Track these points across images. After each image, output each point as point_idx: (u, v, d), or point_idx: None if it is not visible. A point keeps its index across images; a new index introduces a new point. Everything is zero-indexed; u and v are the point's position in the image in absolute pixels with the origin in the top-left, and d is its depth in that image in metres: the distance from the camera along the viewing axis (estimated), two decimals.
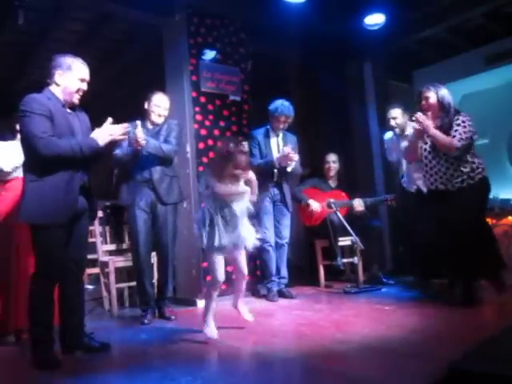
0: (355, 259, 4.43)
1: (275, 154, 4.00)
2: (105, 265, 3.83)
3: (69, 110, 2.55)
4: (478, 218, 3.29)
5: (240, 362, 2.32)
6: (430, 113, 3.28)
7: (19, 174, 2.94)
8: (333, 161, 4.73)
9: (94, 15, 5.02)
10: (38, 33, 5.19)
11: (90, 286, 4.95)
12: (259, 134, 4.11)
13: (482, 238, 3.24)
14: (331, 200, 4.42)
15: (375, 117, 5.46)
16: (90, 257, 3.90)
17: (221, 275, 2.73)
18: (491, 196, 5.33)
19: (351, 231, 4.11)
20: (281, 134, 4.11)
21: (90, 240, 4.14)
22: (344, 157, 4.96)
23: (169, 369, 2.26)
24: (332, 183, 4.78)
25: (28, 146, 2.40)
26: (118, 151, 3.37)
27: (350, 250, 4.67)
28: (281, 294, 3.98)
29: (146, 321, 3.30)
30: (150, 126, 3.48)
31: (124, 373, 2.29)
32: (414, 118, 3.30)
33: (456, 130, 3.18)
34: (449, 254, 3.28)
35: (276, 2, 4.32)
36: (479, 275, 3.29)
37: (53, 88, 2.51)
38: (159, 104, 3.46)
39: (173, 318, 3.41)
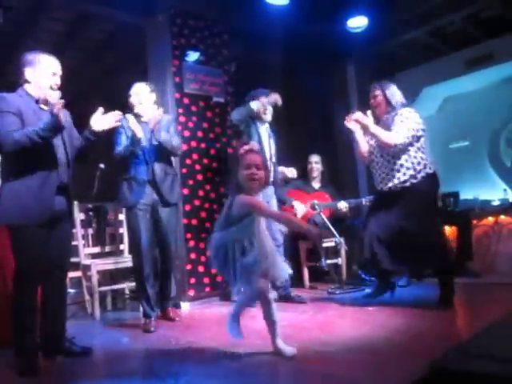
0: (339, 260, 4.46)
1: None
2: (87, 268, 3.77)
3: (44, 107, 2.47)
4: (426, 218, 3.18)
5: (223, 364, 2.31)
6: (369, 112, 3.36)
7: None
8: (315, 161, 4.75)
9: (75, 15, 4.96)
10: (17, 33, 5.11)
11: (71, 290, 4.88)
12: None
13: (429, 239, 3.15)
14: (315, 201, 4.43)
15: None
16: (71, 260, 3.84)
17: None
18: (471, 197, 5.45)
19: (335, 232, 4.12)
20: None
21: (72, 243, 4.08)
22: (327, 158, 4.98)
23: (151, 372, 2.24)
24: (315, 184, 4.80)
25: None
26: (119, 148, 3.25)
27: (334, 251, 4.69)
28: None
29: (152, 328, 3.07)
30: (144, 120, 3.29)
31: (106, 377, 2.27)
32: (349, 117, 3.36)
33: (400, 126, 3.20)
34: (393, 255, 3.20)
35: (259, 3, 4.32)
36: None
37: (26, 86, 2.45)
38: (138, 92, 3.33)
39: (177, 319, 3.32)
